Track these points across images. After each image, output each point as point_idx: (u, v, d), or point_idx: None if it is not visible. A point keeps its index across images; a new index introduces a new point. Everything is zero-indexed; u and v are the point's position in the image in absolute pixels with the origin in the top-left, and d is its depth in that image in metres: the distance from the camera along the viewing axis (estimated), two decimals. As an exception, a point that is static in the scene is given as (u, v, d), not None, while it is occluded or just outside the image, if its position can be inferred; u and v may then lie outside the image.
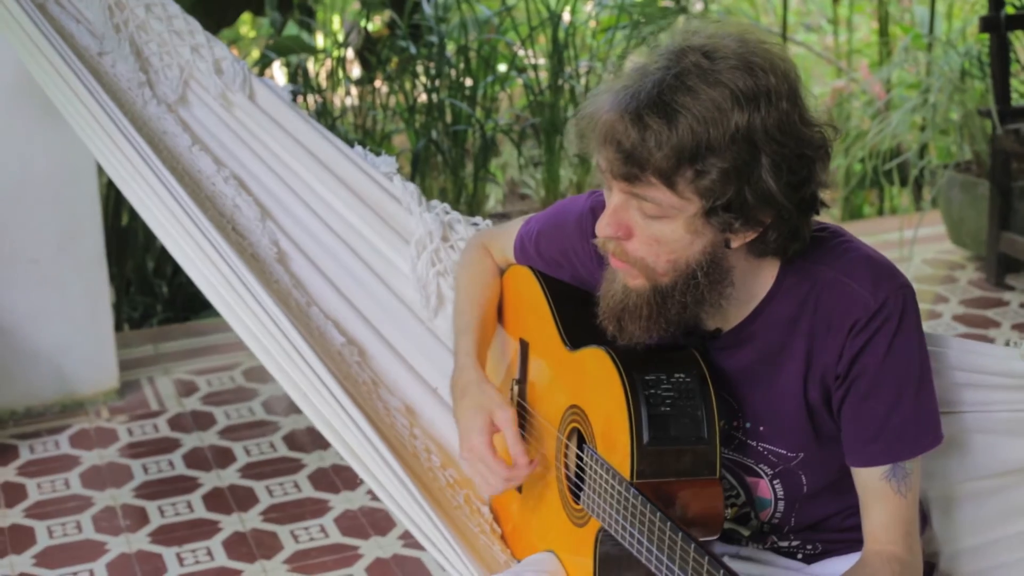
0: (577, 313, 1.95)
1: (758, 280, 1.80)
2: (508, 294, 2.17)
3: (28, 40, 2.38)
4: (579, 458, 1.89)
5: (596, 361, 1.83)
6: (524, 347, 2.10)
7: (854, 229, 5.57)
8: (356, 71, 5.57)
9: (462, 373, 2.07)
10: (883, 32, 6.16)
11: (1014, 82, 4.88)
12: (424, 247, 2.38)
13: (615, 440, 1.77)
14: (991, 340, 4.40)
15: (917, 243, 5.03)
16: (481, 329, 2.12)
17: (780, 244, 1.75)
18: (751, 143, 1.66)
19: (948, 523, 2.02)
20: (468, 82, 5.37)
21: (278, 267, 2.39)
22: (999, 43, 4.69)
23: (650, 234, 1.72)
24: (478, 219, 2.44)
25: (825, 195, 1.77)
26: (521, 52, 5.50)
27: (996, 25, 4.66)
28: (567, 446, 1.94)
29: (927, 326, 4.47)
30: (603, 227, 1.75)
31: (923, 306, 4.69)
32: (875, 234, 5.32)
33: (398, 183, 2.44)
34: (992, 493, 1.99)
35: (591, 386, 1.87)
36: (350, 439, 2.14)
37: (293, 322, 2.17)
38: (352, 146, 2.50)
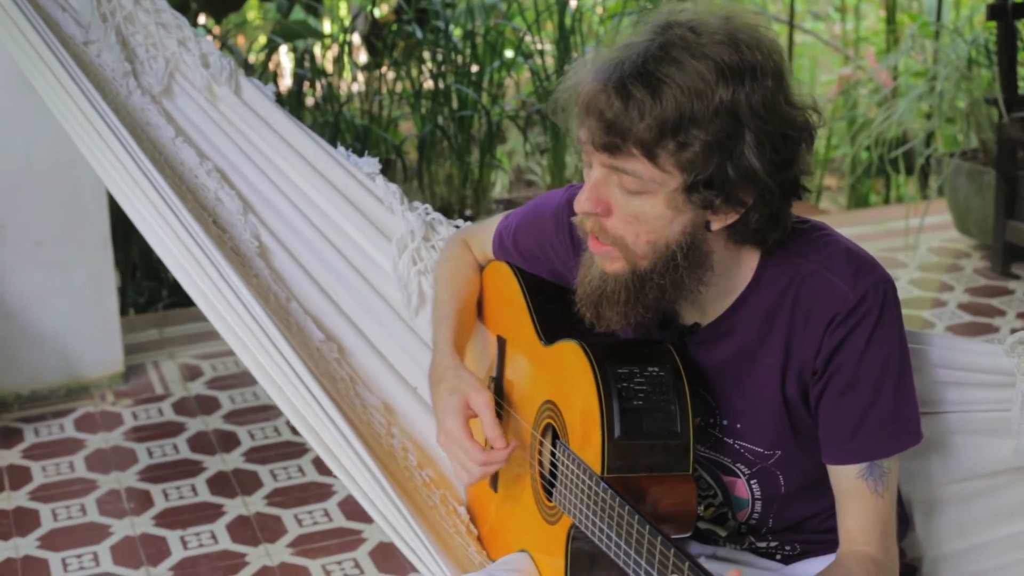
0: (553, 308, 1.94)
1: (738, 272, 1.78)
2: (488, 290, 2.16)
3: (13, 26, 2.37)
4: (552, 454, 1.88)
5: (570, 355, 1.82)
6: (501, 343, 2.09)
7: (860, 217, 5.60)
8: (363, 57, 5.57)
9: (439, 360, 2.04)
10: (890, 20, 6.14)
11: (1021, 70, 4.86)
12: (405, 246, 2.37)
13: (587, 435, 1.77)
14: (996, 328, 4.40)
15: (923, 231, 5.01)
16: (459, 319, 2.10)
17: (761, 230, 1.73)
18: (735, 118, 1.65)
19: (931, 526, 2.00)
20: (474, 68, 5.37)
21: (259, 262, 2.38)
22: (1006, 31, 4.67)
23: (630, 211, 1.70)
24: (459, 221, 2.44)
25: (807, 181, 1.76)
26: (528, 38, 5.49)
27: (1003, 13, 4.64)
28: (541, 442, 1.93)
29: (931, 315, 4.48)
30: (582, 203, 1.72)
31: (928, 295, 4.68)
32: (881, 222, 5.31)
33: (380, 183, 2.43)
34: (976, 496, 1.97)
35: (564, 381, 1.85)
36: (325, 435, 2.13)
37: (272, 317, 2.16)
38: (354, 134, 2.51)
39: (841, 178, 6.02)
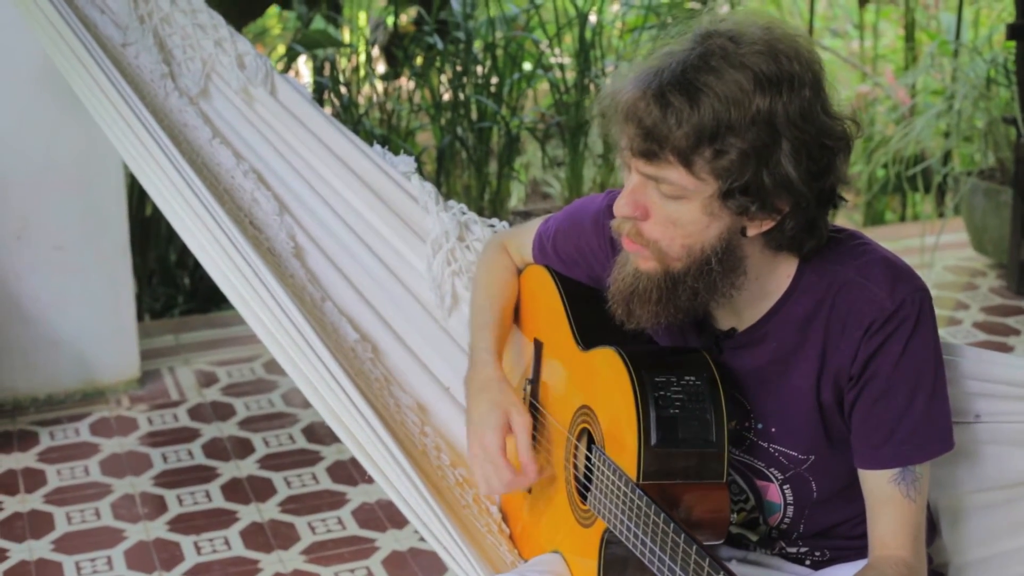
0: (591, 313, 1.95)
1: (774, 278, 1.80)
2: (524, 294, 2.18)
3: (52, 28, 2.39)
4: (587, 459, 1.90)
5: (607, 361, 1.84)
6: (538, 347, 2.10)
7: (876, 235, 5.58)
8: (381, 67, 5.58)
9: (481, 369, 2.07)
10: (909, 38, 6.15)
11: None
12: (440, 246, 2.39)
13: (623, 441, 1.78)
14: (1011, 348, 4.39)
15: (939, 250, 5.01)
16: (500, 327, 2.13)
17: (797, 237, 1.75)
18: (772, 127, 1.66)
19: (957, 534, 2.01)
20: (494, 79, 5.38)
21: (294, 262, 2.40)
22: (1025, 51, 4.68)
23: (666, 215, 1.72)
24: (495, 220, 2.45)
25: (844, 191, 1.77)
26: (547, 50, 5.51)
27: (1022, 33, 4.65)
28: (576, 447, 1.94)
29: (946, 333, 4.47)
30: (621, 207, 1.75)
31: (943, 313, 4.67)
32: (897, 240, 5.31)
33: (416, 182, 2.45)
34: (1002, 504, 1.98)
35: (601, 387, 1.87)
36: (360, 435, 2.15)
37: (307, 317, 2.18)
38: (372, 143, 2.52)
39: (857, 195, 6.02)
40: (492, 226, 2.44)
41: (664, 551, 1.63)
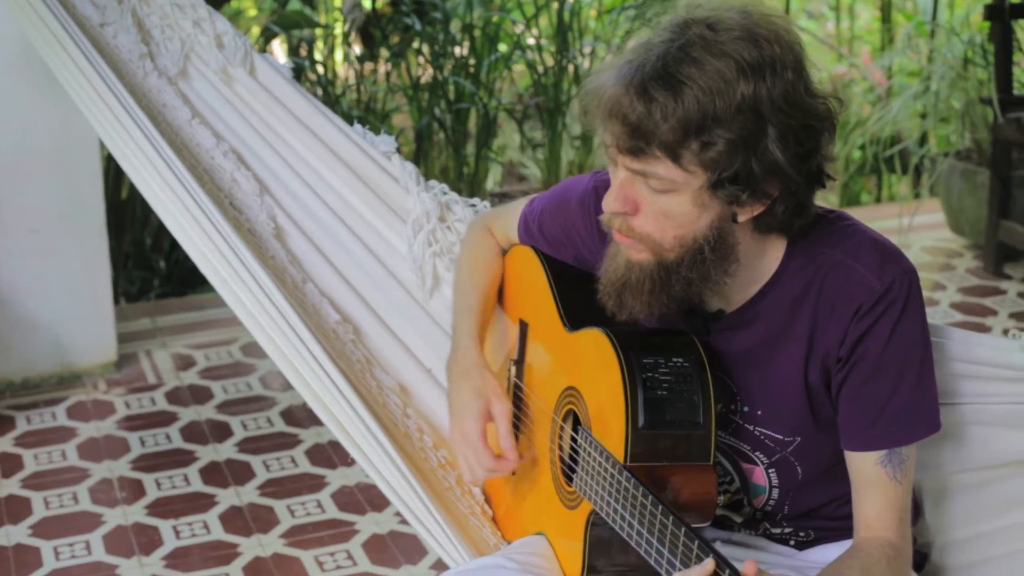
0: (578, 294, 1.94)
1: (763, 261, 1.79)
2: (509, 274, 2.16)
3: (30, 9, 2.37)
4: (573, 440, 1.89)
5: (594, 343, 1.83)
6: (523, 328, 2.09)
7: (853, 215, 5.59)
8: (358, 49, 5.55)
9: (464, 354, 2.06)
10: (886, 19, 6.15)
11: (1017, 71, 4.87)
12: (421, 227, 2.37)
13: (610, 422, 1.77)
14: (988, 328, 4.41)
15: (916, 230, 5.03)
16: (483, 311, 2.12)
17: (787, 219, 1.74)
18: (757, 113, 1.65)
19: (941, 514, 2.02)
20: (471, 60, 5.36)
21: (275, 243, 2.38)
22: (1003, 32, 4.68)
23: (657, 208, 1.71)
24: (476, 200, 2.44)
25: (830, 169, 1.76)
26: (524, 31, 5.49)
27: (1000, 13, 4.65)
28: (562, 428, 1.94)
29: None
30: (610, 203, 1.74)
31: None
32: (874, 220, 5.29)
33: (396, 162, 2.43)
34: (986, 484, 1.98)
35: (588, 368, 1.86)
36: (342, 417, 2.14)
37: (288, 299, 2.17)
38: (353, 123, 2.50)
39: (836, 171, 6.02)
40: (473, 206, 2.42)
41: (652, 533, 1.63)
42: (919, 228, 5.06)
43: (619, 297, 1.78)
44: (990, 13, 4.67)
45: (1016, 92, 4.78)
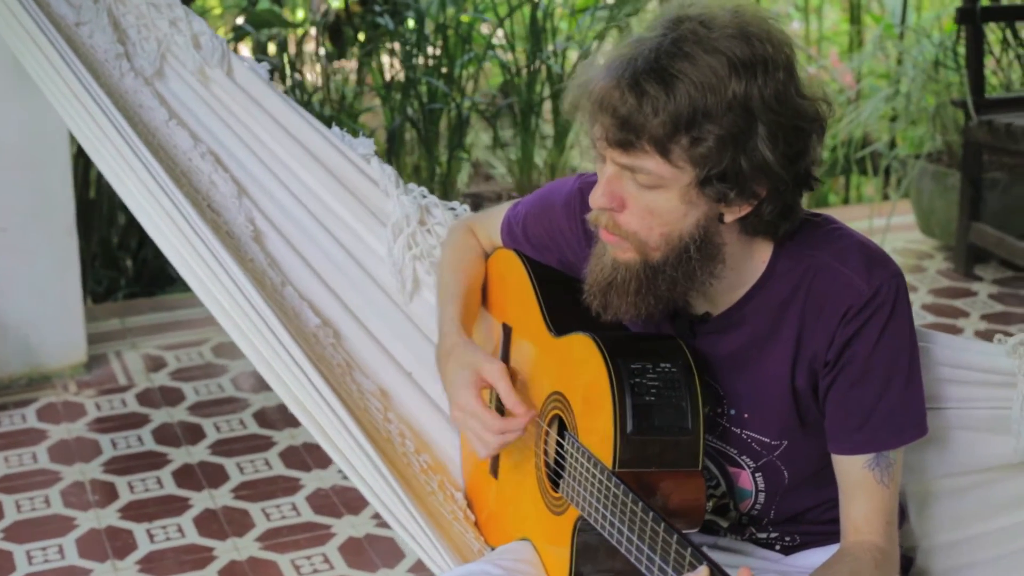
0: (563, 298, 1.93)
1: (750, 264, 1.78)
2: (492, 278, 2.15)
3: (3, 6, 2.34)
4: (559, 446, 1.87)
5: (581, 348, 1.81)
6: (507, 332, 2.08)
7: (825, 216, 5.58)
8: (323, 49, 5.52)
9: (447, 338, 2.02)
10: (854, 20, 6.17)
11: (986, 73, 4.90)
12: (401, 230, 2.35)
13: (598, 428, 1.76)
14: (961, 330, 4.43)
15: (886, 232, 5.05)
16: (466, 301, 2.08)
17: (774, 221, 1.73)
18: (748, 111, 1.65)
19: (926, 518, 2.02)
20: (444, 60, 5.34)
21: (253, 246, 2.36)
22: (974, 34, 4.71)
23: (644, 205, 1.70)
24: (455, 204, 2.42)
25: (817, 171, 1.76)
26: (493, 31, 5.47)
27: (972, 16, 4.68)
28: (547, 433, 1.92)
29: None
30: (597, 198, 1.73)
31: (892, 295, 4.69)
32: (845, 222, 5.33)
33: (376, 165, 2.41)
34: (971, 489, 1.98)
35: (575, 373, 1.85)
36: (324, 422, 2.12)
37: (268, 302, 2.15)
38: (331, 125, 2.48)
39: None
40: (453, 209, 2.41)
41: (643, 540, 1.62)
42: (890, 229, 5.08)
43: (604, 297, 1.77)
44: (962, 16, 4.69)
45: (988, 95, 4.81)
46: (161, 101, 2.40)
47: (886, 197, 5.57)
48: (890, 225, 5.06)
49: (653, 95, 1.64)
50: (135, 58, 2.41)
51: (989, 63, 5.04)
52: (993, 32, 5.17)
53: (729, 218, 1.72)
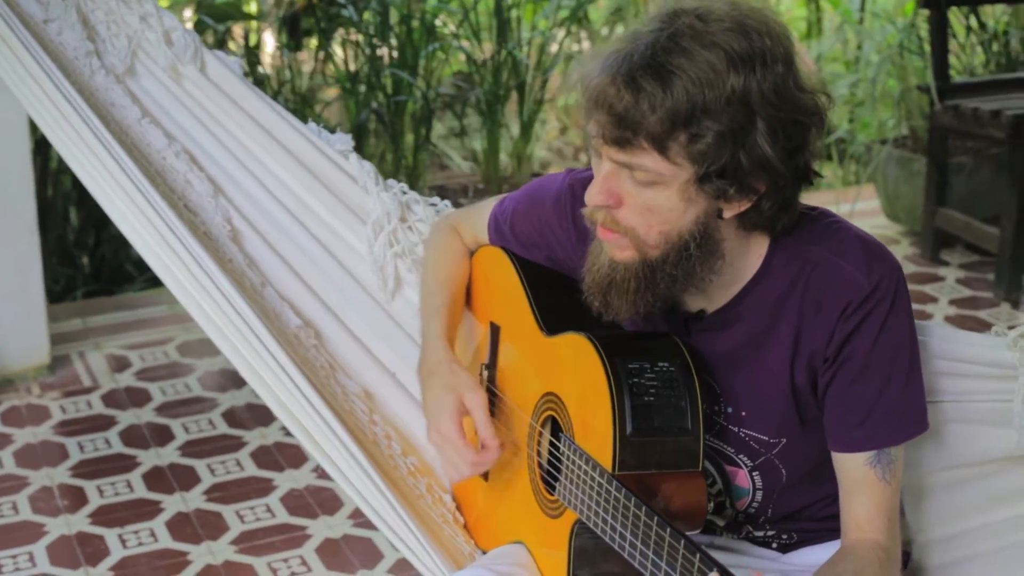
0: (554, 297, 1.90)
1: (747, 259, 1.75)
2: (477, 276, 2.10)
3: (-32, 6, 2.28)
4: (554, 447, 1.84)
5: (576, 348, 1.78)
6: (495, 331, 2.04)
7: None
8: (278, 41, 5.45)
9: (431, 354, 2.00)
10: (811, 5, 6.16)
11: (952, 58, 4.91)
12: (381, 227, 2.31)
13: (596, 430, 1.72)
14: (930, 315, 4.43)
15: (851, 218, 5.03)
16: (450, 313, 2.05)
17: (772, 216, 1.70)
18: (747, 106, 1.61)
19: (922, 512, 2.00)
20: (408, 50, 5.28)
21: (232, 246, 2.31)
22: (939, 19, 4.71)
23: (642, 202, 1.66)
24: (436, 199, 2.38)
25: (816, 166, 1.73)
26: (443, 21, 5.42)
27: (936, 2, 4.68)
28: (541, 434, 1.89)
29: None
30: (593, 195, 1.69)
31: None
32: (811, 208, 5.33)
33: (354, 161, 2.37)
34: (968, 482, 1.97)
35: (570, 374, 1.81)
36: (310, 425, 2.07)
37: (249, 303, 2.10)
38: (307, 121, 2.43)
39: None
40: (434, 205, 2.36)
41: (647, 545, 1.58)
42: (855, 215, 5.07)
43: (605, 298, 1.74)
44: (927, 1, 4.69)
45: (953, 80, 4.82)
46: (133, 99, 2.35)
47: (849, 183, 5.57)
48: (855, 211, 5.05)
49: (650, 91, 1.60)
50: (105, 55, 2.36)
51: (952, 47, 5.04)
52: (955, 16, 5.18)
53: (728, 214, 1.69)
